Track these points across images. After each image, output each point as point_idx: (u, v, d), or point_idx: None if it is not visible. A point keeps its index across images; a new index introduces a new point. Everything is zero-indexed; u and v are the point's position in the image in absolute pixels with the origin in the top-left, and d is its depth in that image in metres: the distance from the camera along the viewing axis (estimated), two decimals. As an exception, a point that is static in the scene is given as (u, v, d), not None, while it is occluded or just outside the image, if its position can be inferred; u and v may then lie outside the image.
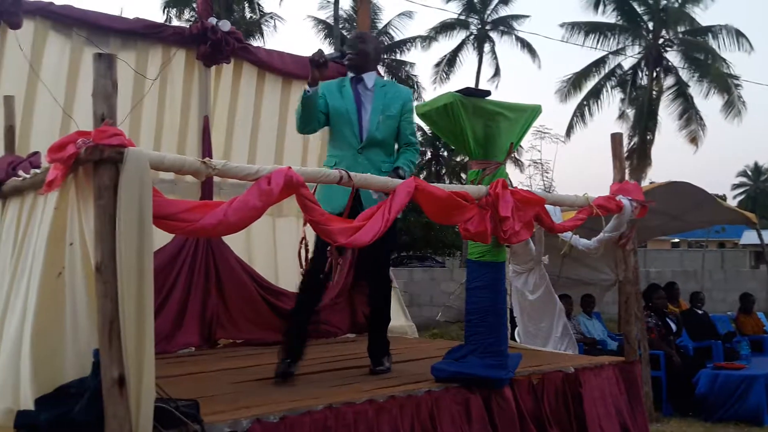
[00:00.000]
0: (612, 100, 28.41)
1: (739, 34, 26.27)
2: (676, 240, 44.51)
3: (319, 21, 33.03)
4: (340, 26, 31.86)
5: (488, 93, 4.04)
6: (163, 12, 29.98)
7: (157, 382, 2.60)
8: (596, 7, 27.66)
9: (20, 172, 3.42)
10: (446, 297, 13.16)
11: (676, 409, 7.41)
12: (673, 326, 8.24)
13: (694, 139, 27.22)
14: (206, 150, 5.83)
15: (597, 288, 9.54)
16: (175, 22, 27.79)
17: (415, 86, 33.87)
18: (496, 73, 33.91)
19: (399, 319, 7.00)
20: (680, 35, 27.58)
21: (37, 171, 3.16)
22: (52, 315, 2.77)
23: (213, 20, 5.80)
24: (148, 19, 5.75)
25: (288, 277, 6.31)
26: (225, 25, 5.84)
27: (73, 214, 2.76)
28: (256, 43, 27.26)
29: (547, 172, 26.67)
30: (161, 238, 5.41)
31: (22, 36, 5.03)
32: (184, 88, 5.93)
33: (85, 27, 5.34)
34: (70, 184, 2.75)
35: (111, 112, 2.59)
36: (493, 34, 34.01)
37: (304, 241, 3.31)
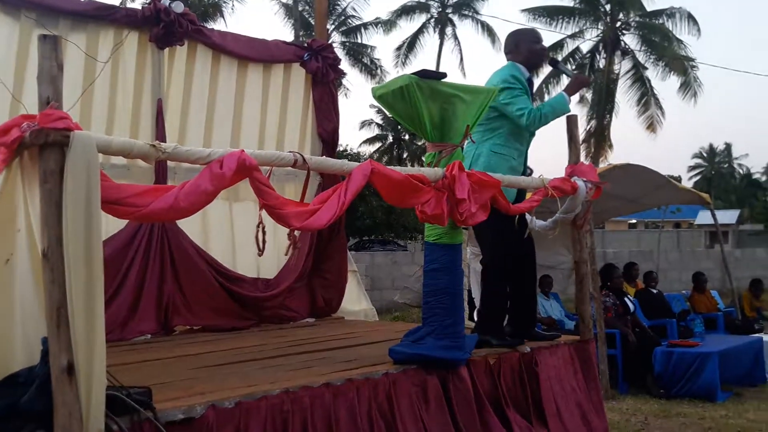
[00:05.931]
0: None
1: (690, 17, 26.73)
2: (634, 221, 45.30)
3: (279, 2, 32.73)
4: (300, 8, 31.60)
5: (444, 75, 4.02)
6: (119, -7, 29.45)
7: (112, 369, 2.57)
8: None
9: (-35, 158, 3.32)
10: (408, 280, 13.20)
11: (632, 386, 7.56)
12: (631, 306, 8.38)
13: (651, 125, 27.66)
14: (160, 134, 5.72)
15: (558, 272, 9.66)
16: (129, 4, 27.27)
17: (380, 70, 33.81)
18: (462, 60, 34.03)
19: (359, 303, 7.02)
20: (637, 18, 27.91)
21: (-17, 156, 3.08)
22: (0, 303, 2.72)
23: (166, 2, 5.70)
24: (99, 0, 5.63)
25: (246, 263, 6.27)
26: (178, 7, 5.72)
27: (18, 199, 2.70)
28: (216, 25, 26.95)
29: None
30: (115, 224, 5.33)
31: (-33, 19, 4.89)
32: (136, 71, 5.80)
33: (34, 9, 5.20)
34: (16, 169, 2.68)
35: (57, 95, 2.52)
36: (454, 18, 34.02)
37: (261, 226, 3.27)
